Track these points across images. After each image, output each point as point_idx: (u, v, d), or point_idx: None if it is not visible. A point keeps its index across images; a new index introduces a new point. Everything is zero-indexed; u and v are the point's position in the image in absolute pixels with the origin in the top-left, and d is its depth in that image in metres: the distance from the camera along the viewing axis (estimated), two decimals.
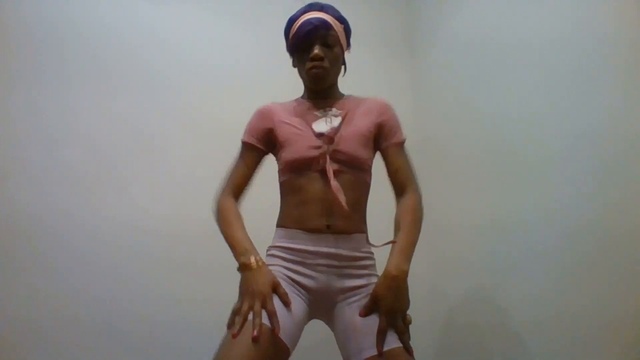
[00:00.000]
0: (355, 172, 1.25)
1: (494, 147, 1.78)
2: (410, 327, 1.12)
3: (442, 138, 2.10)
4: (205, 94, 1.93)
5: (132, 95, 1.84)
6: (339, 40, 1.29)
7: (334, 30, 1.27)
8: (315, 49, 1.25)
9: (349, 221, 1.22)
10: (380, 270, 1.17)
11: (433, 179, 2.10)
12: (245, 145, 1.32)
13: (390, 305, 1.11)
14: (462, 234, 1.93)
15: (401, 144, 1.31)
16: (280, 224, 1.29)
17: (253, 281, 1.10)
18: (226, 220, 1.23)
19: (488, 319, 1.76)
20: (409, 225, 1.21)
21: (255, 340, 0.99)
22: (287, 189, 1.28)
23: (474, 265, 1.85)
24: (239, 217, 1.25)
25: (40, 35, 1.76)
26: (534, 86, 1.61)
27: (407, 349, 1.09)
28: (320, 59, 1.26)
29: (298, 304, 1.15)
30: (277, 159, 1.33)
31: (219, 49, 2.02)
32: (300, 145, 1.25)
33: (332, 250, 1.21)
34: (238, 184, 1.30)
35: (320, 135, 1.25)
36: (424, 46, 2.25)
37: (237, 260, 1.15)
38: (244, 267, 1.13)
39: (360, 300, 1.18)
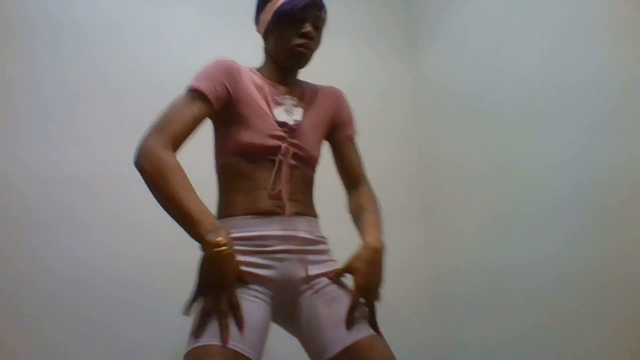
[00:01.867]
0: (308, 168, 1.21)
1: (497, 146, 1.78)
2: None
3: (444, 136, 2.09)
4: None
5: (132, 94, 1.82)
6: (324, 27, 1.23)
7: (324, 14, 1.21)
8: (308, 27, 1.16)
9: (301, 204, 1.17)
10: (336, 256, 1.16)
11: (434, 177, 2.10)
12: (198, 94, 1.08)
13: (367, 280, 1.05)
14: (463, 233, 1.93)
15: (354, 137, 1.29)
16: (225, 214, 1.13)
17: (222, 270, 0.96)
18: (174, 181, 0.98)
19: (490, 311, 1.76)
20: (374, 210, 1.20)
21: (225, 343, 0.91)
22: (231, 174, 1.15)
23: (475, 267, 1.84)
24: (188, 179, 1.00)
25: (41, 30, 1.74)
26: (537, 81, 1.60)
27: (377, 331, 1.05)
28: (312, 38, 1.17)
29: (260, 306, 1.04)
30: (222, 135, 1.17)
31: (220, 49, 2.00)
32: (260, 129, 1.13)
33: (290, 232, 1.11)
34: (179, 134, 1.03)
35: (282, 125, 1.16)
36: (425, 42, 2.24)
37: (200, 237, 0.96)
38: (212, 247, 0.94)
39: (323, 289, 1.10)
